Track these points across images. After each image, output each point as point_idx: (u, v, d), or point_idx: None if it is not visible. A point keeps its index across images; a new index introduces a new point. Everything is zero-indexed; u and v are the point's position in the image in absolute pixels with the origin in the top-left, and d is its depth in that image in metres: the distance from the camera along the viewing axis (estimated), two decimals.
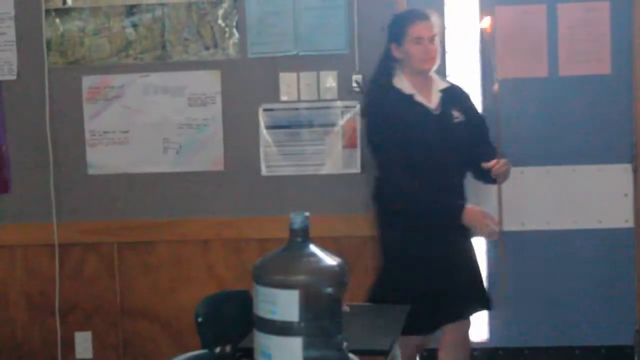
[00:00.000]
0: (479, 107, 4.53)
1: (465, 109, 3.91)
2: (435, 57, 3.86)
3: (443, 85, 3.94)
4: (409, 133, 3.80)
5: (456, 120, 3.86)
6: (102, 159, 4.54)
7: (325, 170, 4.39)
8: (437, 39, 3.87)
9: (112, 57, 4.50)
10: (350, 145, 4.38)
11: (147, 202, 4.55)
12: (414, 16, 3.88)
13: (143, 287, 4.57)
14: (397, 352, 3.66)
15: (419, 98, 3.86)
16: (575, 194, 4.45)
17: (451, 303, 3.88)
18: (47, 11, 4.50)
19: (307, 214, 1.95)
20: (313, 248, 1.95)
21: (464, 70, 4.63)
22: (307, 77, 4.39)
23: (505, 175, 3.83)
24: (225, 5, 4.41)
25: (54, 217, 4.55)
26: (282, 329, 1.88)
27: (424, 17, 3.85)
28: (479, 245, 4.64)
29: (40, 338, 4.64)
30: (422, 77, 3.89)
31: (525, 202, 4.56)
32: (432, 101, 3.88)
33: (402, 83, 3.87)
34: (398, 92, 3.85)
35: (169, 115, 4.49)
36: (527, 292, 4.58)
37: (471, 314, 4.03)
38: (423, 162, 3.80)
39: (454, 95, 3.93)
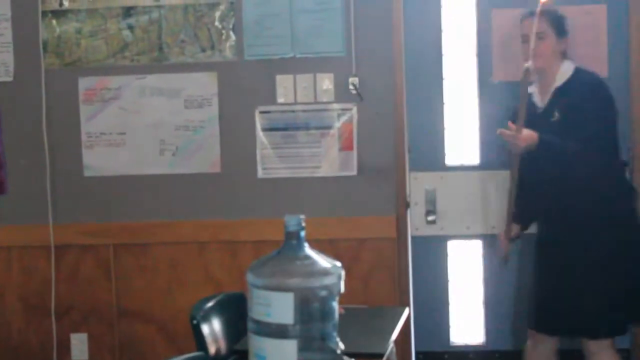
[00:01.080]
0: (476, 109, 4.55)
1: (569, 105, 3.82)
2: (535, 55, 3.81)
3: (561, 81, 3.87)
4: None
5: (553, 119, 3.82)
6: (98, 161, 4.54)
7: (322, 172, 4.39)
8: (545, 37, 3.83)
9: (109, 59, 4.50)
10: (346, 147, 4.38)
11: (144, 204, 4.54)
12: (523, 14, 3.92)
13: (139, 289, 4.56)
14: (393, 355, 3.66)
15: (535, 97, 3.92)
16: None
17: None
18: (44, 12, 4.50)
19: (302, 216, 1.95)
20: (308, 251, 1.95)
21: (460, 71, 4.64)
22: (303, 79, 4.38)
23: (514, 145, 3.77)
24: (222, 7, 4.41)
25: (50, 218, 4.55)
26: (277, 331, 1.88)
27: (528, 14, 3.86)
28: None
29: (36, 339, 4.64)
30: (542, 76, 3.91)
31: None
32: (544, 99, 3.90)
33: (534, 85, 3.94)
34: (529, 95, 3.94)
35: (166, 117, 4.48)
36: (523, 295, 4.58)
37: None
38: (526, 161, 3.85)
39: (567, 91, 3.86)
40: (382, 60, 4.37)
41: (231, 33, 4.42)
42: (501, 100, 4.49)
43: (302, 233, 1.96)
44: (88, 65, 4.51)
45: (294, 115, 4.40)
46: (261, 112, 4.43)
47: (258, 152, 4.44)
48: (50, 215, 4.55)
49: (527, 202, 3.97)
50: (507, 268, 4.51)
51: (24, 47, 4.53)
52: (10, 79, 4.55)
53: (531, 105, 3.90)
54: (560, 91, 3.87)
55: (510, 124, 3.76)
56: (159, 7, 4.45)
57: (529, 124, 3.80)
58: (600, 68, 4.44)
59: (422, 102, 4.56)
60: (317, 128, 4.39)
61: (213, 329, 3.38)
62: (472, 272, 4.68)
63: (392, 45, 4.38)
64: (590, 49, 4.45)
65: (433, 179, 4.60)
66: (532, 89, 3.94)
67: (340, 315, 1.96)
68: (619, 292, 3.83)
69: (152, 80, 4.48)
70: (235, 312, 3.41)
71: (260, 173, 4.45)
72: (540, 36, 3.82)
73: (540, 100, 3.92)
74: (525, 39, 3.85)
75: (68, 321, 4.61)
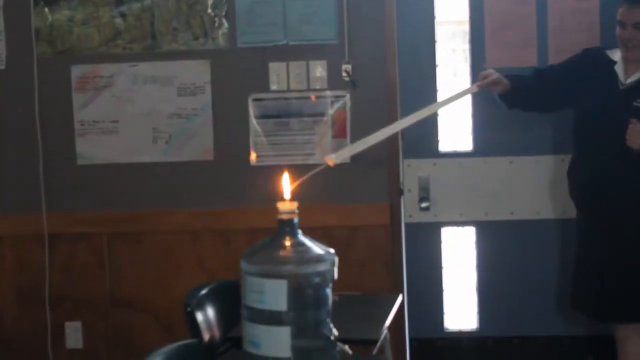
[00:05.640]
0: (467, 96, 4.55)
1: None
2: (630, 45, 3.79)
3: None
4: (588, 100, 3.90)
5: (637, 104, 3.79)
6: (91, 149, 4.53)
7: (315, 159, 4.37)
8: None
9: (101, 47, 4.49)
10: (339, 134, 4.37)
11: (137, 193, 4.54)
12: (624, 1, 3.86)
13: (133, 278, 4.56)
14: (387, 341, 3.66)
15: (618, 68, 3.88)
16: (564, 184, 4.45)
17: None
18: (36, 1, 4.48)
19: (295, 203, 1.96)
20: (301, 238, 1.95)
21: (453, 59, 4.64)
22: (296, 66, 4.38)
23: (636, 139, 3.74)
24: None
25: (43, 207, 4.54)
26: (271, 318, 1.88)
27: (631, 2, 3.81)
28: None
29: (30, 328, 4.63)
30: (630, 62, 3.86)
31: (514, 192, 4.57)
32: (629, 77, 3.85)
33: (615, 53, 3.91)
34: (605, 58, 3.94)
35: (159, 105, 4.48)
36: (517, 281, 4.60)
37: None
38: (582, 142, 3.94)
39: None
40: (375, 47, 4.37)
41: (224, 20, 4.41)
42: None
43: (295, 220, 1.96)
44: (80, 53, 4.49)
45: (287, 103, 4.40)
46: (254, 100, 4.43)
47: (251, 139, 4.44)
48: (44, 204, 4.54)
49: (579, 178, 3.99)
50: (501, 254, 4.54)
51: (16, 36, 4.52)
52: (2, 67, 4.53)
53: (612, 74, 3.89)
54: None
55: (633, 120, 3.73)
56: None
57: (604, 95, 3.84)
58: None
59: (416, 89, 4.56)
60: (310, 115, 4.39)
61: (207, 316, 3.39)
62: (465, 258, 4.69)
63: (385, 32, 4.37)
64: (583, 36, 4.45)
65: (426, 165, 4.61)
66: (616, 57, 3.91)
67: (334, 302, 1.96)
68: None
69: (145, 68, 4.47)
70: (229, 299, 3.42)
71: (254, 161, 4.45)
72: (637, 26, 3.79)
73: (623, 75, 3.87)
74: (621, 25, 3.82)
75: (62, 310, 4.61)
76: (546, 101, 4.08)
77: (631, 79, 3.84)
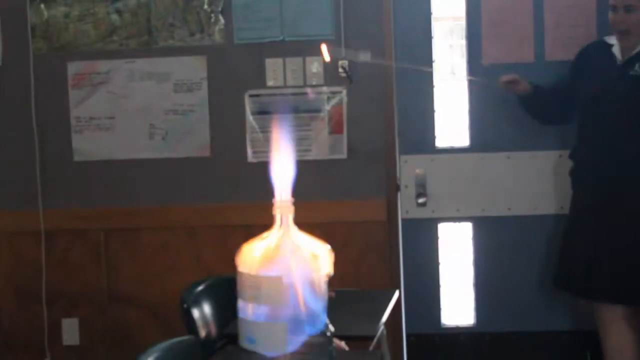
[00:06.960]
0: (464, 92, 4.55)
1: None
2: (624, 29, 3.84)
3: None
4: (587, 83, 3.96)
5: (632, 73, 3.84)
6: (88, 146, 4.53)
7: (312, 155, 4.38)
8: (634, 9, 3.82)
9: (98, 43, 4.48)
10: (336, 130, 4.37)
11: (134, 189, 4.54)
12: None
13: (130, 274, 4.56)
14: (384, 337, 3.66)
15: (615, 50, 3.92)
16: (561, 180, 4.46)
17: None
18: None
19: (291, 199, 1.96)
20: (298, 234, 1.95)
21: (450, 55, 4.63)
22: (293, 62, 4.38)
23: None
24: None
25: (39, 204, 4.54)
26: (267, 314, 1.88)
27: None
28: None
29: (27, 325, 4.63)
30: (627, 41, 3.90)
31: (511, 188, 4.57)
32: (625, 55, 3.90)
33: (612, 38, 3.96)
34: (602, 43, 4.01)
35: (155, 101, 4.47)
36: (514, 276, 4.60)
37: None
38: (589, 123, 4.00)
39: None
40: (371, 43, 4.36)
41: (220, 17, 4.41)
42: (490, 83, 4.48)
43: (292, 216, 1.96)
44: (77, 49, 4.49)
45: (284, 99, 4.40)
46: (251, 96, 4.42)
47: (248, 135, 4.43)
48: (40, 200, 4.54)
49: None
50: (499, 250, 4.55)
51: (12, 32, 4.51)
52: None
53: (610, 56, 3.94)
54: None
55: None
56: None
57: (604, 74, 3.88)
58: None
59: (412, 84, 4.55)
60: (306, 111, 4.38)
61: (203, 313, 3.38)
62: (462, 254, 4.69)
63: (381, 28, 4.37)
64: (579, 31, 4.44)
65: (423, 161, 4.60)
66: (612, 41, 3.96)
67: (330, 298, 1.96)
68: None
69: (141, 64, 4.47)
70: (226, 295, 3.41)
71: (250, 157, 4.45)
72: (628, 9, 3.84)
73: (620, 55, 3.92)
74: (614, 9, 3.87)
75: (59, 306, 4.61)
76: (566, 111, 4.15)
77: (626, 57, 3.91)
